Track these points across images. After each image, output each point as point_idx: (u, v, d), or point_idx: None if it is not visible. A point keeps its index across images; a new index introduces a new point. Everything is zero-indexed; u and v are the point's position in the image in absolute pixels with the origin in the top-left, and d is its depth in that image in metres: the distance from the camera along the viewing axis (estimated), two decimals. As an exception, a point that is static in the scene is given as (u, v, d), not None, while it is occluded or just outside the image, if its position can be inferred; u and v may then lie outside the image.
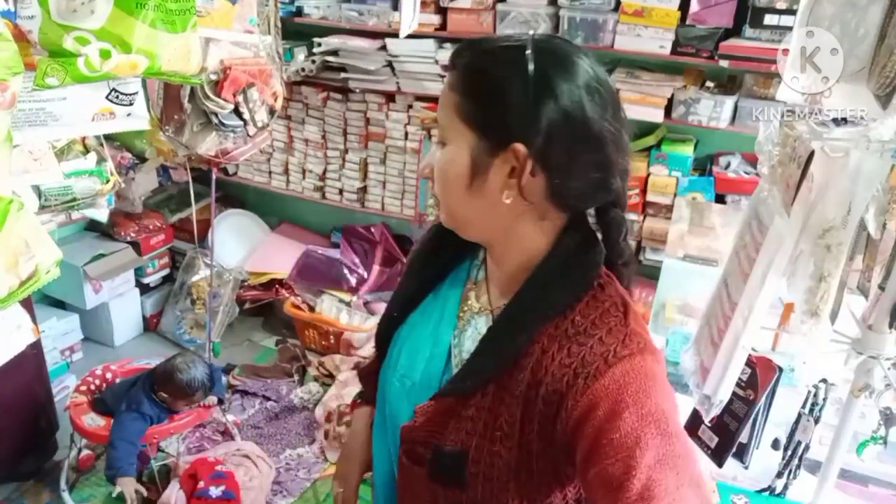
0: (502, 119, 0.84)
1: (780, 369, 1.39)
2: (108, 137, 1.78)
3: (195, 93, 2.17)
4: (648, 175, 2.81)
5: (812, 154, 1.02)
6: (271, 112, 2.43)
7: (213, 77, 2.13)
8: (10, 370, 2.30)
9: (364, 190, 3.45)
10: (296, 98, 3.40)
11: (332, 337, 3.32)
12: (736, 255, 1.31)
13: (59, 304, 3.25)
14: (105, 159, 1.71)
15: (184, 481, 2.37)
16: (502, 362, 0.87)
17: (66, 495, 2.45)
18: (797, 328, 1.15)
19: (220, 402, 2.57)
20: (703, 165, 2.85)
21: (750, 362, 1.37)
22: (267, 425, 2.91)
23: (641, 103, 2.71)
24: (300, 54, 3.20)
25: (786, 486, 1.34)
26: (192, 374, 2.37)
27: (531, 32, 0.90)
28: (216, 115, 2.25)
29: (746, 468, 1.47)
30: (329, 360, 3.20)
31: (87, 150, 1.66)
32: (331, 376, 3.13)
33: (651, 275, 2.86)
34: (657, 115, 2.71)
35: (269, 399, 3.04)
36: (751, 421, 1.40)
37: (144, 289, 3.48)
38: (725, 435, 1.43)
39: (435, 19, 2.92)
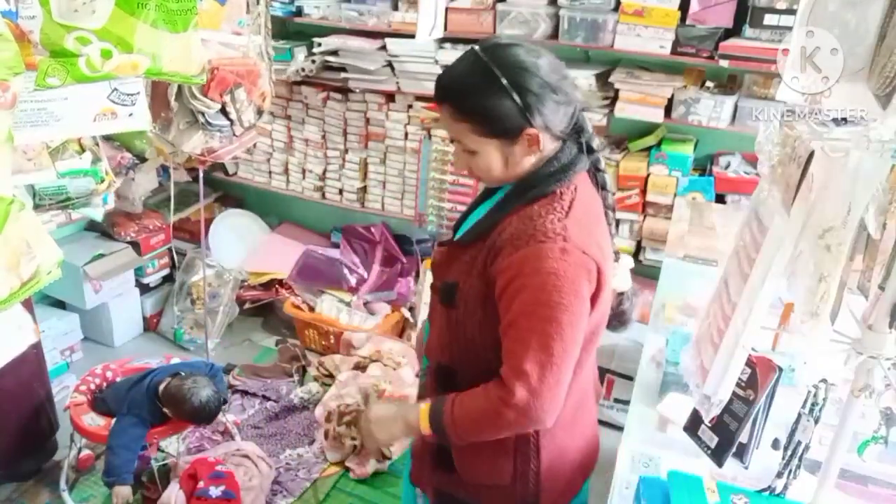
0: (508, 124, 1.20)
1: (780, 369, 1.39)
2: (108, 137, 1.78)
3: (182, 92, 2.17)
4: (648, 175, 2.81)
5: (812, 154, 1.02)
6: (259, 112, 2.43)
7: (201, 77, 2.13)
8: (10, 370, 2.31)
9: (364, 190, 3.45)
10: (296, 98, 3.40)
11: (332, 337, 3.32)
12: (736, 255, 1.31)
13: (60, 304, 3.26)
14: (100, 159, 1.71)
15: (184, 481, 2.37)
16: (487, 227, 1.26)
17: (66, 495, 2.45)
18: (797, 328, 1.15)
19: (224, 401, 2.56)
20: (703, 165, 2.85)
21: (750, 362, 1.37)
22: (267, 425, 2.91)
23: (641, 103, 2.71)
24: (300, 54, 3.20)
25: (786, 486, 1.34)
26: (202, 402, 2.29)
27: (476, 47, 1.22)
28: (203, 114, 2.26)
29: (746, 468, 1.47)
30: (329, 360, 3.20)
31: (82, 150, 1.66)
32: (331, 376, 3.13)
33: (651, 275, 2.86)
34: (657, 115, 2.72)
35: (269, 399, 3.04)
36: (751, 421, 1.41)
37: (144, 289, 3.47)
38: (725, 435, 1.43)
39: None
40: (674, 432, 1.60)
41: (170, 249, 3.52)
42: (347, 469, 2.71)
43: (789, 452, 1.33)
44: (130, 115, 1.10)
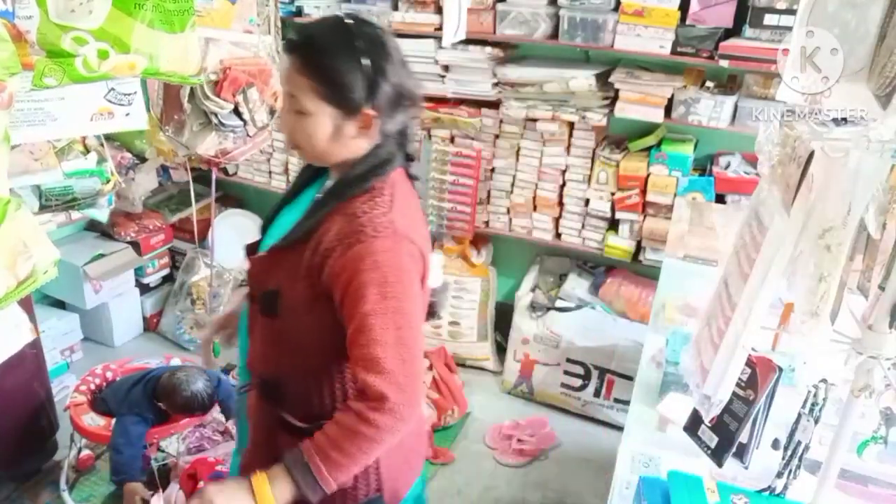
0: (351, 96, 1.16)
1: (780, 369, 1.39)
2: (108, 137, 1.78)
3: (195, 93, 2.17)
4: (648, 175, 2.81)
5: (812, 154, 1.02)
6: (271, 112, 2.42)
7: (213, 77, 2.13)
8: (10, 370, 2.32)
9: (364, 190, 3.45)
10: (296, 98, 3.40)
11: (332, 337, 3.32)
12: (736, 255, 1.31)
13: (59, 304, 3.25)
14: (105, 159, 1.71)
15: (184, 481, 2.37)
16: (309, 229, 1.21)
17: (66, 495, 2.45)
18: (797, 328, 1.15)
19: (230, 411, 2.55)
20: (703, 165, 2.85)
21: (750, 362, 1.37)
22: (267, 425, 2.91)
23: (641, 103, 2.71)
24: (300, 54, 3.20)
25: (786, 486, 1.34)
26: (193, 392, 2.32)
27: (342, 14, 1.21)
28: (216, 115, 2.25)
29: (746, 468, 1.47)
30: (329, 360, 3.20)
31: (87, 151, 1.66)
32: (331, 376, 3.12)
33: (651, 275, 2.86)
34: (657, 115, 2.71)
35: (269, 399, 3.04)
36: (751, 421, 1.40)
37: (144, 289, 3.47)
38: (725, 435, 1.43)
39: (435, 19, 2.92)
40: (674, 432, 1.60)
41: (170, 249, 3.52)
42: (347, 469, 2.70)
43: (789, 452, 1.33)
44: (127, 114, 1.10)
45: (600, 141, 2.93)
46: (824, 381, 1.29)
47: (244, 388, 1.41)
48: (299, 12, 3.18)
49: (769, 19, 2.43)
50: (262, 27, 2.35)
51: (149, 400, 2.32)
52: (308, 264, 1.19)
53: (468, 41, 2.91)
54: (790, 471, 1.33)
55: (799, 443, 1.31)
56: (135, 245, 3.30)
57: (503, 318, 3.28)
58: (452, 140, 3.17)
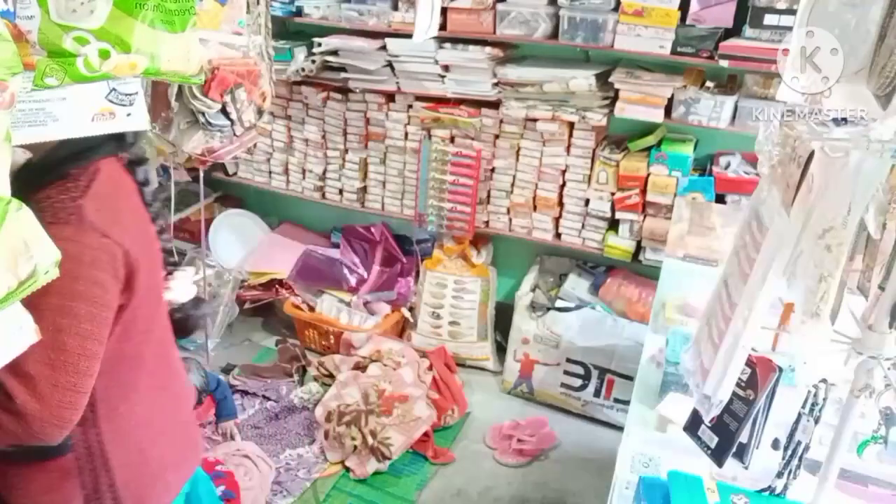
0: None
1: (780, 369, 1.39)
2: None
3: (182, 91, 2.17)
4: (648, 175, 2.81)
5: (812, 154, 1.02)
6: (259, 112, 2.43)
7: (201, 77, 2.14)
8: (9, 370, 2.31)
9: (364, 190, 3.46)
10: (296, 98, 3.40)
11: (331, 337, 3.32)
12: (736, 255, 1.31)
13: (59, 304, 3.25)
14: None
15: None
16: None
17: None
18: (797, 328, 1.15)
19: (235, 413, 2.54)
20: (703, 165, 2.85)
21: (750, 362, 1.37)
22: (267, 425, 2.91)
23: (641, 103, 2.71)
24: (300, 54, 3.20)
25: (786, 486, 1.34)
26: None
27: None
28: (203, 114, 2.26)
29: (746, 468, 1.46)
30: (329, 360, 3.20)
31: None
32: (331, 376, 3.13)
33: (651, 275, 2.86)
34: (657, 115, 2.72)
35: (269, 399, 3.04)
36: (751, 421, 1.40)
37: (144, 289, 3.47)
38: (725, 435, 1.43)
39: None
40: (674, 432, 1.60)
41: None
42: (347, 469, 2.71)
43: (789, 452, 1.33)
44: (129, 115, 1.10)
45: (600, 141, 2.93)
46: (824, 381, 1.29)
47: None
48: (299, 12, 3.18)
49: (769, 19, 2.43)
50: (252, 27, 2.36)
51: None
52: None
53: (468, 41, 2.92)
54: (790, 471, 1.33)
55: (799, 443, 1.31)
56: (135, 245, 3.30)
57: (503, 318, 3.29)
58: (452, 140, 3.17)
